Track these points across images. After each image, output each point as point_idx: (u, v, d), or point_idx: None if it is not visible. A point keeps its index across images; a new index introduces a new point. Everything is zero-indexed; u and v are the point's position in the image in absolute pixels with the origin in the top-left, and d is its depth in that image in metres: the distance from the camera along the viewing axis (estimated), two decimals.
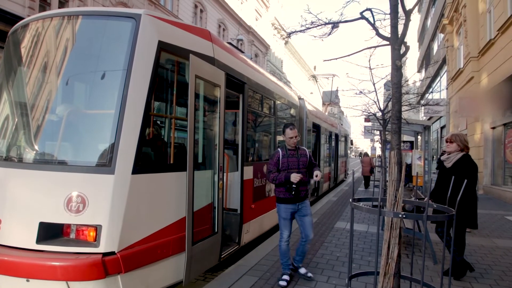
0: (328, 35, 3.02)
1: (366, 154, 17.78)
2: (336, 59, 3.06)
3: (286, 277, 3.82)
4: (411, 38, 33.40)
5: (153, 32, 3.25)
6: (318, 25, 2.87)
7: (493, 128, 12.41)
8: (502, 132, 11.65)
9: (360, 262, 4.64)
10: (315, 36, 3.05)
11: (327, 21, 2.76)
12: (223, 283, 3.75)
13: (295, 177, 3.70)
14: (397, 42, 2.28)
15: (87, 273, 2.67)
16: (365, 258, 4.83)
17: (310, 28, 2.92)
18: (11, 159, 3.17)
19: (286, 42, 35.96)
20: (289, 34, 3.30)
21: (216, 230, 3.96)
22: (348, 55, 3.03)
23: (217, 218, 3.98)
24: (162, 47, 3.30)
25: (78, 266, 2.64)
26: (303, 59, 42.69)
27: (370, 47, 2.81)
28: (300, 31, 3.05)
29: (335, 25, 2.83)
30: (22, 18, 4.07)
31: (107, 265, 2.72)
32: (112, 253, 2.80)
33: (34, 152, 3.15)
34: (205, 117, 3.99)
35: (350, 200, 2.37)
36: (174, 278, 3.42)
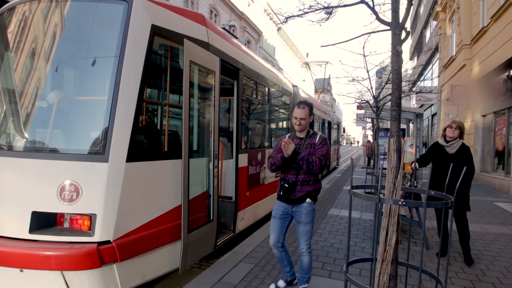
0: (326, 20, 2.96)
1: (368, 141, 22.91)
2: (334, 44, 3.01)
3: (280, 283, 3.37)
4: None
5: (146, 16, 3.14)
6: (316, 10, 2.80)
7: (484, 116, 12.54)
8: (493, 120, 11.78)
9: (354, 248, 4.69)
10: (312, 21, 2.98)
11: (325, 5, 2.70)
12: (219, 271, 3.75)
13: (286, 148, 2.95)
14: (398, 27, 2.24)
15: (82, 262, 2.63)
16: (359, 244, 4.89)
17: (308, 12, 2.86)
18: (1, 148, 3.08)
19: (279, 29, 35.60)
20: (286, 19, 3.23)
21: (211, 218, 3.95)
22: (346, 41, 2.99)
23: (212, 205, 3.96)
24: (155, 31, 3.20)
25: (73, 256, 2.60)
26: (295, 46, 42.39)
27: (369, 33, 2.76)
28: (298, 15, 2.98)
29: (333, 9, 2.77)
30: (6, 2, 3.89)
31: (102, 254, 2.68)
32: (108, 242, 2.76)
33: (25, 140, 3.07)
34: (200, 104, 3.92)
35: (349, 187, 2.36)
36: (170, 266, 3.40)
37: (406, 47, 33.92)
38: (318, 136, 3.22)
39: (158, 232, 3.17)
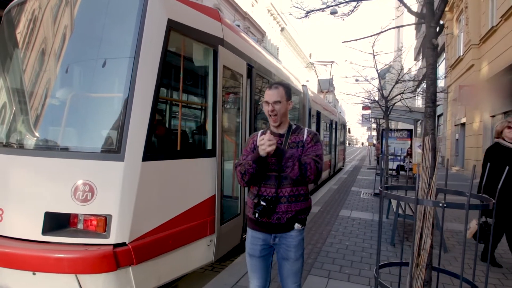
0: (349, 14, 2.84)
1: (378, 142, 22.06)
2: (356, 40, 2.91)
3: None
4: (409, 26, 32.95)
5: (162, 10, 3.04)
6: (341, 3, 2.69)
7: (493, 116, 12.38)
8: (502, 120, 11.61)
9: (370, 251, 4.57)
10: (335, 16, 2.87)
11: None
12: (234, 274, 3.64)
13: (268, 143, 1.97)
14: (433, 20, 2.13)
15: (98, 265, 2.52)
16: (375, 246, 4.76)
17: (331, 6, 2.74)
18: (14, 146, 2.97)
19: (282, 29, 35.50)
20: (307, 13, 3.11)
21: (239, 212, 4.20)
22: (370, 36, 2.87)
23: (239, 200, 4.23)
24: (172, 26, 3.10)
25: (89, 258, 2.49)
26: (299, 46, 42.27)
27: (397, 27, 2.64)
28: (320, 9, 2.87)
29: (358, 2, 2.65)
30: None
31: (118, 257, 2.58)
32: (123, 244, 2.65)
33: (39, 138, 2.96)
34: (230, 105, 4.26)
35: (380, 188, 2.25)
36: (186, 268, 3.31)
37: (410, 48, 33.63)
38: (305, 131, 2.25)
39: (175, 233, 3.06)
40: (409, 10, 2.31)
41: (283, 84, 2.26)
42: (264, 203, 2.10)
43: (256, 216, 2.12)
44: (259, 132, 2.30)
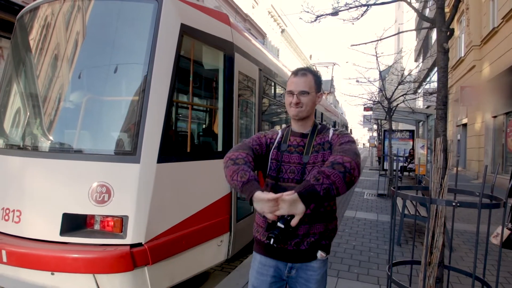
0: (359, 18, 2.90)
1: (380, 143, 22.49)
2: (366, 43, 2.97)
3: None
4: (409, 26, 33.01)
5: (175, 15, 3.11)
6: (352, 7, 2.75)
7: (495, 117, 12.43)
8: (504, 121, 11.68)
9: (377, 251, 4.62)
10: (344, 20, 2.93)
11: (363, 3, 2.65)
12: (245, 274, 3.68)
13: (262, 206, 1.46)
14: (444, 25, 2.19)
15: (116, 265, 2.58)
16: (382, 246, 4.81)
17: (342, 10, 2.80)
18: (32, 148, 3.03)
19: (283, 31, 35.61)
20: (317, 17, 3.18)
21: (252, 211, 4.32)
22: (379, 39, 2.93)
23: None
24: (184, 30, 3.17)
25: (106, 258, 2.55)
26: (299, 48, 42.38)
27: (404, 31, 2.69)
28: (331, 14, 2.93)
29: (368, 7, 2.71)
30: (16, 4, 3.83)
31: (135, 257, 2.63)
32: (139, 244, 2.71)
33: (56, 140, 3.03)
34: (243, 108, 4.46)
35: (392, 188, 2.30)
36: (198, 268, 3.35)
37: (411, 51, 33.67)
38: (331, 130, 1.81)
39: (189, 233, 3.12)
40: (421, 16, 2.37)
41: (312, 71, 1.79)
42: (282, 225, 1.47)
43: (272, 242, 1.46)
44: (279, 131, 1.85)
